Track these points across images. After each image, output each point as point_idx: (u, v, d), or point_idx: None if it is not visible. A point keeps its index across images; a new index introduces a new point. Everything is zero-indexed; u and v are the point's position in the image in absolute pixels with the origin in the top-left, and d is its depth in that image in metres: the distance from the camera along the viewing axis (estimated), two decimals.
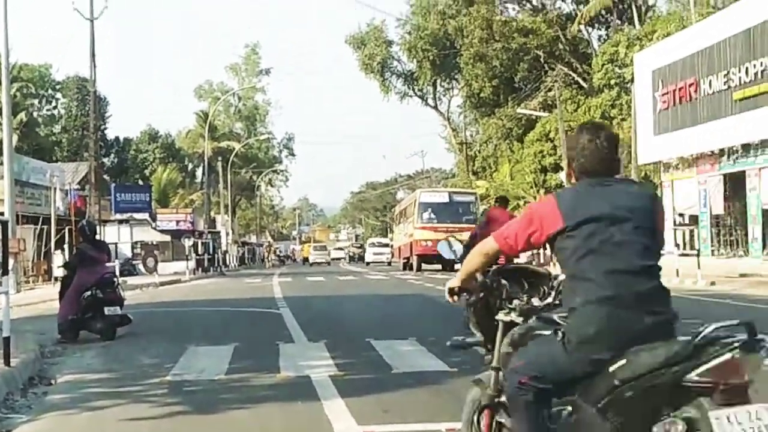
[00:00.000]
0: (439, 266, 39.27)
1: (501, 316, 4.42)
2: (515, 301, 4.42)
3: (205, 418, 7.39)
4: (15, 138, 45.94)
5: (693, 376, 3.45)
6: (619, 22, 51.63)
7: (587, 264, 3.80)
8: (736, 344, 3.42)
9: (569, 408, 3.93)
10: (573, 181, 4.12)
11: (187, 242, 45.13)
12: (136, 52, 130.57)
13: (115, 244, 36.56)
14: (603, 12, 51.59)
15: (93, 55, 36.92)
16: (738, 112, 27.70)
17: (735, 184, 29.64)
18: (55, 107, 75.85)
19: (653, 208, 3.98)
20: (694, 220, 31.77)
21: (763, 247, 27.43)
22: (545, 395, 3.94)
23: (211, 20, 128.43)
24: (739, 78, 27.53)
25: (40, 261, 40.27)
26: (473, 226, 36.32)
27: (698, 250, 26.46)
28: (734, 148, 28.55)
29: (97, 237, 15.18)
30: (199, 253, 47.94)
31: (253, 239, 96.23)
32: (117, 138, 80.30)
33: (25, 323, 14.52)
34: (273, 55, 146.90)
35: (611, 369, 3.63)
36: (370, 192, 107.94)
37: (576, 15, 52.32)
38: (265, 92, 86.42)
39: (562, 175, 42.62)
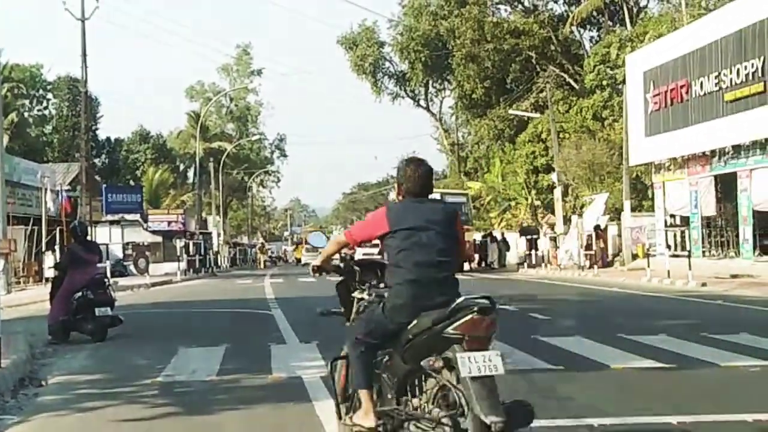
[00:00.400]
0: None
1: (355, 294, 6.04)
2: (366, 284, 6.00)
3: (196, 420, 7.37)
4: (6, 138, 45.82)
5: (449, 330, 5.01)
6: (611, 23, 51.75)
7: (402, 257, 5.39)
8: (475, 308, 4.98)
9: (387, 356, 5.51)
10: (400, 197, 5.72)
11: (179, 243, 45.07)
12: (127, 52, 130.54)
13: (107, 245, 36.51)
14: (594, 13, 51.68)
15: (84, 55, 36.86)
16: (729, 114, 27.74)
17: (726, 186, 29.70)
18: (46, 107, 75.58)
19: (452, 221, 5.61)
20: (686, 221, 31.83)
21: (754, 249, 27.49)
22: (372, 347, 5.53)
23: (204, 21, 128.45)
24: (731, 79, 27.57)
25: (31, 262, 40.13)
26: (465, 226, 36.44)
27: (689, 252, 26.50)
28: (725, 150, 28.59)
29: (88, 238, 15.12)
30: (191, 253, 47.84)
31: (245, 240, 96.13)
32: (108, 138, 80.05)
33: (15, 324, 14.47)
34: (265, 56, 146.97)
35: (408, 328, 5.25)
36: (361, 193, 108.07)
37: (568, 16, 52.39)
38: (256, 93, 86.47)
39: (553, 176, 42.58)
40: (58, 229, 39.33)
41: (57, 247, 33.51)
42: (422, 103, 67.65)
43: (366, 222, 5.86)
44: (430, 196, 5.60)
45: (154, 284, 33.26)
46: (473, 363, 4.96)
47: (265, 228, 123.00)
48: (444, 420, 5.11)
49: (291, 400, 7.95)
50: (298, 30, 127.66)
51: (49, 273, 34.68)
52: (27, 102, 71.69)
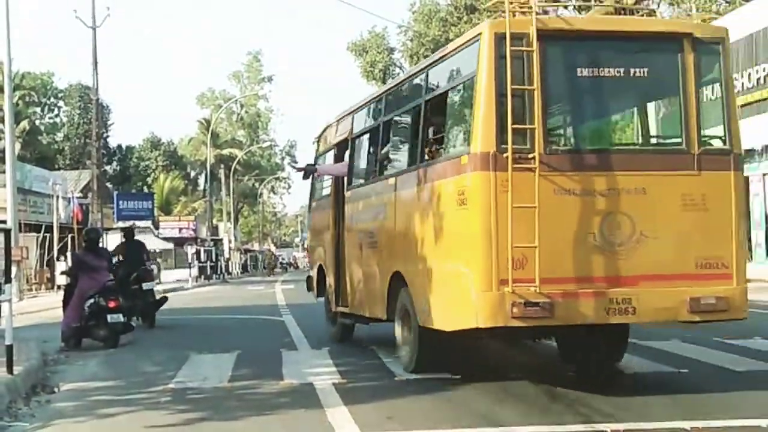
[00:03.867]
0: None
1: None
2: None
3: (208, 426, 7.37)
4: (17, 146, 46.02)
5: None
6: None
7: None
8: None
9: None
10: None
11: (190, 250, 45.18)
12: (138, 59, 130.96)
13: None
14: None
15: (95, 62, 36.96)
16: (741, 118, 27.61)
17: None
18: (57, 115, 75.93)
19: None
20: None
21: (767, 253, 27.39)
22: None
23: (214, 28, 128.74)
24: (742, 84, 27.50)
25: (43, 269, 40.32)
26: None
27: None
28: None
29: (100, 245, 15.18)
30: (202, 260, 47.93)
31: (256, 246, 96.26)
32: (119, 146, 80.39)
33: (27, 331, 14.51)
34: (275, 63, 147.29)
35: None
36: None
37: None
38: (267, 99, 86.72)
39: None
40: (69, 236, 39.49)
41: (69, 254, 33.61)
42: None
43: None
44: None
45: (165, 291, 33.19)
46: None
47: (276, 234, 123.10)
48: None
49: (302, 406, 7.95)
50: (309, 37, 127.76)
51: (61, 280, 34.76)
52: (38, 110, 72.09)
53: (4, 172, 32.92)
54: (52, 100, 74.90)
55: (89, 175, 42.39)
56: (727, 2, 40.81)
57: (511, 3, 8.11)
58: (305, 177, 14.52)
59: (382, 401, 8.19)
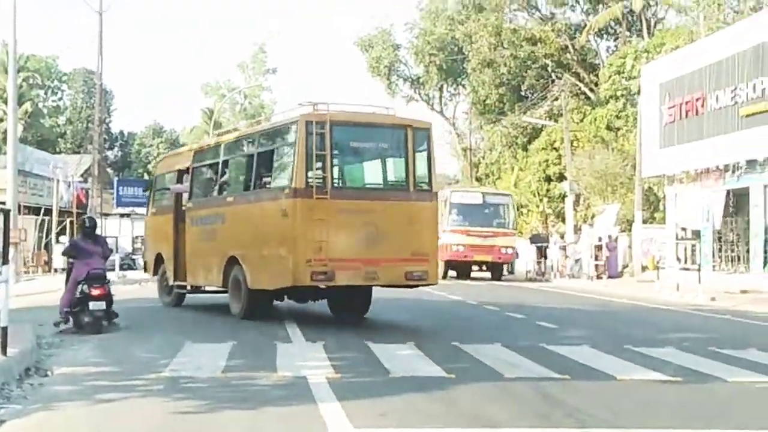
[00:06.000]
0: (474, 273, 36.38)
1: None
2: None
3: (200, 417, 7.36)
4: (20, 128, 45.94)
5: None
6: (628, 33, 51.60)
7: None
8: None
9: None
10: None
11: None
12: (143, 46, 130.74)
13: (116, 238, 36.53)
14: (612, 23, 51.55)
15: (101, 47, 36.95)
16: (744, 128, 27.63)
17: (739, 200, 29.59)
18: (60, 99, 75.97)
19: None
20: (696, 234, 31.68)
21: (765, 264, 27.37)
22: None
23: (220, 17, 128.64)
24: (747, 94, 27.47)
25: (41, 252, 40.27)
26: (507, 230, 34.88)
27: (699, 265, 26.42)
28: (739, 164, 28.47)
29: (97, 231, 15.17)
30: None
31: None
32: (121, 132, 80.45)
33: (23, 314, 14.46)
34: (280, 54, 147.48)
35: None
36: None
37: (585, 25, 52.27)
38: (271, 91, 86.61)
39: (565, 185, 42.39)
40: (68, 219, 39.46)
41: (66, 238, 33.58)
42: (436, 106, 67.56)
43: None
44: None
45: None
46: None
47: None
48: None
49: (296, 400, 7.93)
50: (315, 29, 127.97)
51: (58, 263, 34.77)
52: (42, 92, 72.07)
53: (5, 153, 32.89)
54: (55, 83, 74.88)
55: (90, 160, 42.41)
56: (735, 12, 40.76)
57: (315, 105, 14.48)
58: (145, 190, 23.89)
59: (375, 398, 8.17)
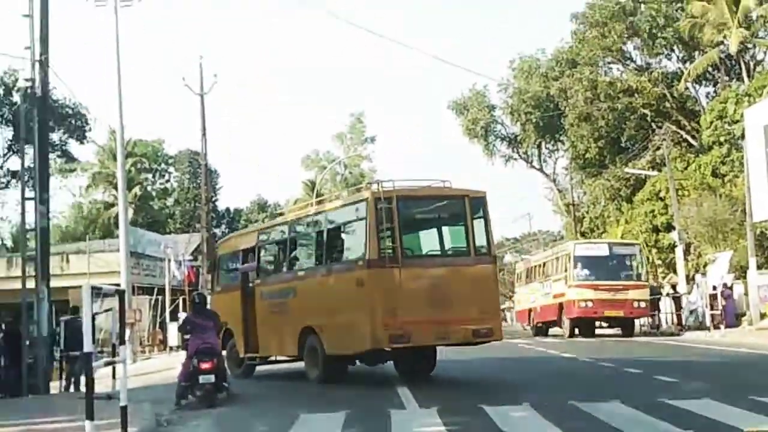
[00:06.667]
0: (603, 330, 35.08)
1: None
2: None
3: None
4: (130, 212, 47.39)
5: None
6: (727, 78, 50.67)
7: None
8: None
9: None
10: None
11: None
12: (245, 124, 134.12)
13: None
14: (710, 69, 50.74)
15: (204, 128, 38.05)
16: None
17: None
18: (167, 181, 78.12)
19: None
20: None
21: None
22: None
23: (317, 90, 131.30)
24: None
25: (156, 331, 41.15)
26: (638, 283, 32.96)
27: None
28: None
29: (208, 306, 15.60)
30: None
31: None
32: (228, 209, 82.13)
33: (140, 392, 14.81)
34: (377, 124, 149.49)
35: None
36: None
37: (681, 73, 51.56)
38: (370, 160, 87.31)
39: (674, 234, 41.41)
40: (181, 297, 40.31)
41: (180, 316, 34.30)
42: (535, 164, 67.27)
43: None
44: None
45: None
46: None
47: None
48: None
49: None
50: (410, 96, 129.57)
51: (173, 341, 35.49)
52: (150, 176, 74.28)
53: (118, 237, 33.91)
54: (162, 166, 77.11)
55: (199, 238, 43.35)
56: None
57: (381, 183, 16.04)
58: (208, 271, 26.89)
59: None
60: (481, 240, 16.08)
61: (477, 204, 16.16)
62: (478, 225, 16.12)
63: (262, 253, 19.19)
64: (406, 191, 15.91)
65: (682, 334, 32.91)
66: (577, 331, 33.59)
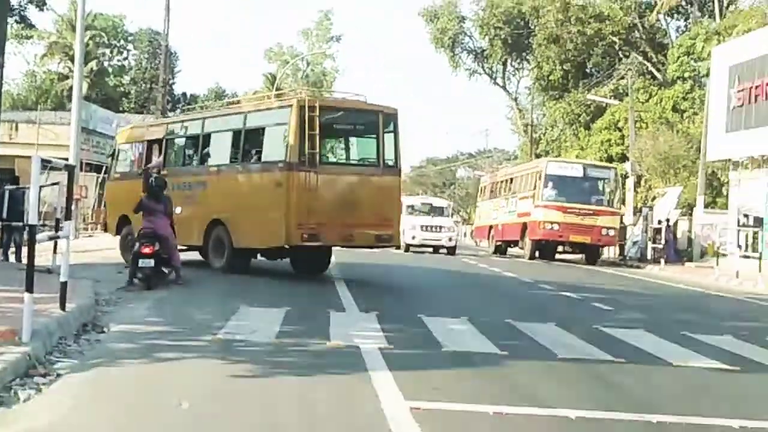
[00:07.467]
0: (568, 254, 34.14)
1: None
2: None
3: (251, 381, 7.39)
4: (84, 86, 46.50)
5: None
6: (699, 14, 50.60)
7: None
8: None
9: None
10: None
11: None
12: (210, 8, 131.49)
13: None
14: (683, 3, 50.57)
15: (168, 8, 37.17)
16: None
17: None
18: (125, 58, 76.62)
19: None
20: (759, 222, 31.09)
21: None
22: None
23: None
24: None
25: (100, 209, 40.80)
26: (610, 209, 31.76)
27: (761, 253, 25.95)
28: None
29: (165, 192, 15.50)
30: None
31: None
32: (184, 93, 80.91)
33: (81, 270, 14.71)
34: (344, 22, 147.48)
35: None
36: (429, 167, 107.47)
37: (655, 4, 51.36)
38: (334, 59, 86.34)
39: (627, 165, 41.72)
40: None
41: None
42: (499, 81, 67.03)
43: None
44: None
45: None
46: None
47: None
48: None
49: (347, 368, 7.93)
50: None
51: None
52: (108, 51, 72.71)
53: (70, 110, 33.31)
54: (121, 42, 75.52)
55: (153, 120, 42.77)
56: None
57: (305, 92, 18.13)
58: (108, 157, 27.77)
59: (426, 371, 8.14)
60: (389, 153, 17.40)
61: (389, 119, 17.39)
62: (389, 139, 17.40)
63: (172, 144, 19.95)
64: (328, 102, 18.07)
65: (642, 267, 32.77)
66: (537, 253, 32.57)
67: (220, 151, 18.56)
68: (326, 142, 17.72)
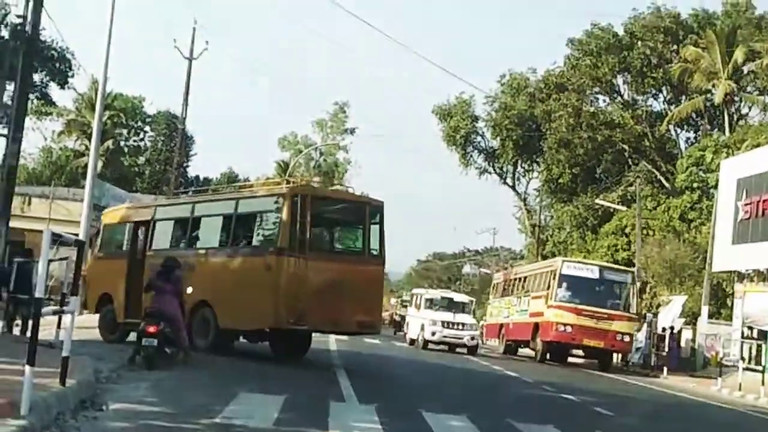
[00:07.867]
0: (580, 359, 33.37)
1: None
2: None
3: None
4: (99, 164, 46.98)
5: None
6: (709, 127, 51.22)
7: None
8: None
9: None
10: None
11: None
12: (228, 95, 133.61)
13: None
14: (694, 115, 51.24)
15: (187, 93, 37.84)
16: None
17: None
18: (142, 139, 77.35)
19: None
20: (763, 335, 30.95)
21: None
22: None
23: (304, 77, 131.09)
24: None
25: None
26: (624, 313, 30.56)
27: (764, 366, 25.78)
28: None
29: (176, 273, 15.60)
30: None
31: None
32: (197, 176, 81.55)
33: (83, 346, 14.71)
34: (359, 117, 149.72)
35: None
36: (436, 262, 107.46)
37: (666, 114, 52.06)
38: (347, 151, 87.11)
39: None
40: None
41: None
42: (509, 181, 67.48)
43: None
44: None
45: None
46: None
47: None
48: None
49: None
50: (395, 94, 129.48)
51: None
52: (125, 132, 73.55)
53: (83, 187, 33.61)
54: (139, 123, 76.41)
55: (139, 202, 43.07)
56: None
57: (300, 181, 20.87)
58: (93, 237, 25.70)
59: None
60: (375, 243, 18.17)
61: (375, 211, 18.30)
62: (374, 230, 18.16)
63: (158, 226, 20.15)
64: (318, 192, 19.90)
65: (650, 374, 32.10)
66: (548, 355, 31.49)
67: (209, 234, 19.10)
68: (315, 230, 18.12)
